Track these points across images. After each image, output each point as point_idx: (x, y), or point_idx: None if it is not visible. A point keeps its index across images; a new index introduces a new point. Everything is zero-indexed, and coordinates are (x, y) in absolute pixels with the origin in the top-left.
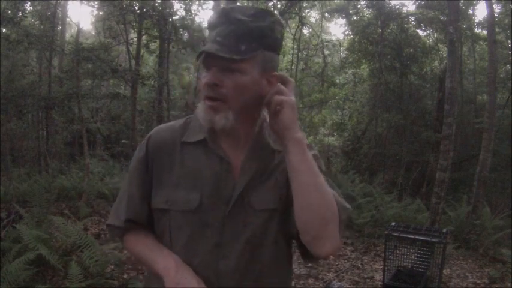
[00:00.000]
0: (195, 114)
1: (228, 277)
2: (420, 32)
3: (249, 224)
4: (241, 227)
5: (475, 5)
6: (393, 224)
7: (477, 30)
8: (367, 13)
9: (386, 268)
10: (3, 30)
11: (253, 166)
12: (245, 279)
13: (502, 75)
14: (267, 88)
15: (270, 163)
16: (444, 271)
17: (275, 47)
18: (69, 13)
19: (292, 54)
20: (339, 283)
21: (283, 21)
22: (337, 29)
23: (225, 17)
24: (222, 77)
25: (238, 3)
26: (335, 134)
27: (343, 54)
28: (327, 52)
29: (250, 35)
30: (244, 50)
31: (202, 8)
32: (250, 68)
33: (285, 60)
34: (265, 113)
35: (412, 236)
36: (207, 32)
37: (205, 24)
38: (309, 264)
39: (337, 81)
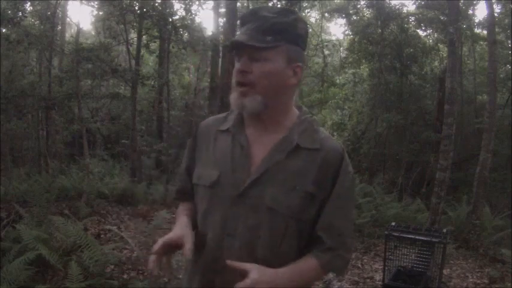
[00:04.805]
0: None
1: (230, 254)
2: (420, 32)
3: (255, 213)
4: (250, 212)
5: (475, 5)
6: (393, 224)
7: (477, 30)
8: (367, 13)
9: (386, 268)
10: (3, 30)
11: (275, 158)
12: (246, 262)
13: (502, 75)
14: (292, 78)
15: (293, 161)
16: (444, 271)
17: (297, 41)
18: (69, 13)
19: None
20: (339, 283)
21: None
22: (337, 29)
23: (253, 15)
24: (250, 65)
25: (238, 4)
26: (335, 134)
27: (343, 54)
28: (327, 52)
29: (274, 29)
30: (269, 40)
31: (202, 8)
32: (274, 57)
33: None
34: (304, 109)
35: (412, 236)
36: (207, 32)
37: (205, 25)
38: None
39: (337, 81)
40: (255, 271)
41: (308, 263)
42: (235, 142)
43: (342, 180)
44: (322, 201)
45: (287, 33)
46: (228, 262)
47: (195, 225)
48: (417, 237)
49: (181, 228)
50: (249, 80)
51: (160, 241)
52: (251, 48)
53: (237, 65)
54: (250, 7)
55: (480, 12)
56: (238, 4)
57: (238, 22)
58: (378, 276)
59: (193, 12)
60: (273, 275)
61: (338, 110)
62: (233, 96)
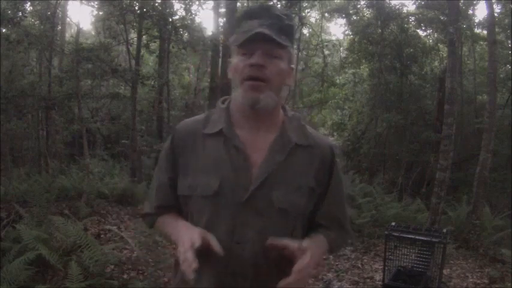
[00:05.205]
0: (216, 107)
1: (241, 262)
2: (420, 32)
3: (264, 216)
4: (256, 216)
5: (475, 5)
6: (393, 224)
7: (477, 30)
8: (367, 13)
9: (386, 268)
10: (3, 30)
11: (276, 159)
12: (257, 267)
13: (502, 75)
14: (288, 79)
15: (293, 159)
16: (444, 271)
17: (293, 45)
18: (69, 13)
19: None
20: (339, 283)
21: None
22: (337, 29)
23: (266, 11)
24: (266, 60)
25: (238, 3)
26: (335, 134)
27: (343, 54)
28: (327, 52)
29: (286, 30)
30: (284, 39)
31: (202, 8)
32: (284, 56)
33: None
34: (287, 108)
35: (412, 236)
36: (207, 32)
37: (205, 25)
38: None
39: (337, 81)
40: (308, 253)
41: (321, 238)
42: (229, 145)
43: (337, 173)
44: (320, 194)
45: (292, 36)
46: (270, 241)
47: None
48: (417, 237)
49: (196, 229)
50: (265, 75)
51: (197, 235)
52: (272, 44)
53: (250, 59)
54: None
55: (480, 12)
56: (238, 4)
57: (243, 14)
58: (378, 276)
59: (193, 12)
60: (313, 251)
61: (338, 110)
62: (243, 90)
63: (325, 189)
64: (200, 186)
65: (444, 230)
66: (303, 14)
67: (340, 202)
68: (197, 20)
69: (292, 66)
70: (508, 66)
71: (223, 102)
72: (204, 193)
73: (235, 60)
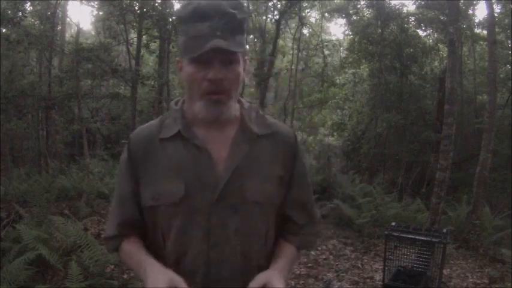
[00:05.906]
0: (169, 111)
1: (218, 267)
2: (420, 32)
3: (239, 212)
4: (231, 214)
5: (475, 5)
6: (393, 224)
7: (477, 30)
8: (367, 13)
9: (386, 268)
10: (3, 30)
11: (241, 152)
12: (235, 271)
13: (502, 75)
14: (244, 72)
15: (257, 149)
16: (444, 271)
17: (247, 35)
18: (69, 13)
19: (292, 54)
20: (339, 283)
21: (284, 21)
22: (337, 29)
23: (216, 9)
24: (224, 71)
25: None
26: (335, 134)
27: (343, 54)
28: (327, 52)
29: (240, 27)
30: (239, 41)
31: None
32: (240, 57)
33: (284, 60)
34: (243, 100)
35: (412, 236)
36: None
37: None
38: (309, 265)
39: (337, 81)
40: (276, 280)
41: (289, 250)
42: (189, 146)
43: (300, 159)
44: (287, 183)
45: (245, 30)
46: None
47: None
48: (417, 237)
49: (164, 272)
50: (224, 88)
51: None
52: (228, 51)
53: (208, 72)
54: (251, 8)
55: (480, 12)
56: None
57: (190, 14)
58: (378, 276)
59: None
60: (280, 276)
61: (338, 110)
62: (204, 106)
63: (291, 175)
64: (165, 194)
65: (444, 230)
66: (303, 14)
67: (306, 188)
68: None
69: (246, 57)
70: (508, 66)
71: (176, 104)
72: (171, 201)
73: (190, 70)
